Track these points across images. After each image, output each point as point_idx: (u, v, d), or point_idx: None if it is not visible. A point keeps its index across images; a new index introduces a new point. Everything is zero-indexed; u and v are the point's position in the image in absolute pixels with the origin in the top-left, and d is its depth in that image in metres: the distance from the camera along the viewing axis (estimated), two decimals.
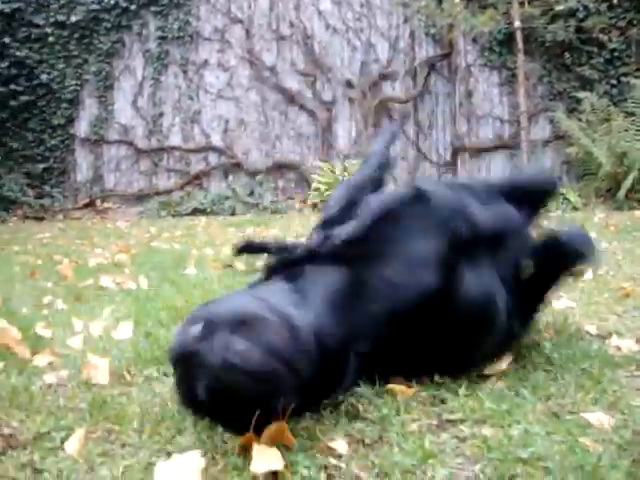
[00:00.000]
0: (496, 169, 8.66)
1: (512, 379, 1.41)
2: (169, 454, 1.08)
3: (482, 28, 8.01)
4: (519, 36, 7.92)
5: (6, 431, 1.21)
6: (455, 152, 8.82)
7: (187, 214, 8.51)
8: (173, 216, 8.57)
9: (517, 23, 7.89)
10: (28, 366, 1.63)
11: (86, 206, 10.03)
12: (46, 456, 1.12)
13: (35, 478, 1.05)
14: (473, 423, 1.19)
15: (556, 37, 8.09)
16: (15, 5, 9.81)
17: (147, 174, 9.83)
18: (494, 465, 1.01)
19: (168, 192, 9.55)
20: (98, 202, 9.99)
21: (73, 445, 1.13)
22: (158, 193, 9.62)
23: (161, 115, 9.73)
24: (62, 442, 1.16)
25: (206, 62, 9.56)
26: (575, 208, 7.18)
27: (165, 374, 1.53)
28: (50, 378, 1.50)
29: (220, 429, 1.16)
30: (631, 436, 1.09)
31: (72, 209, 10.03)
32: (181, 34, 9.55)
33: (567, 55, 8.25)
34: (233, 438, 1.11)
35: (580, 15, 8.09)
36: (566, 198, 7.36)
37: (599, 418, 1.15)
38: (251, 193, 8.85)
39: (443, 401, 1.31)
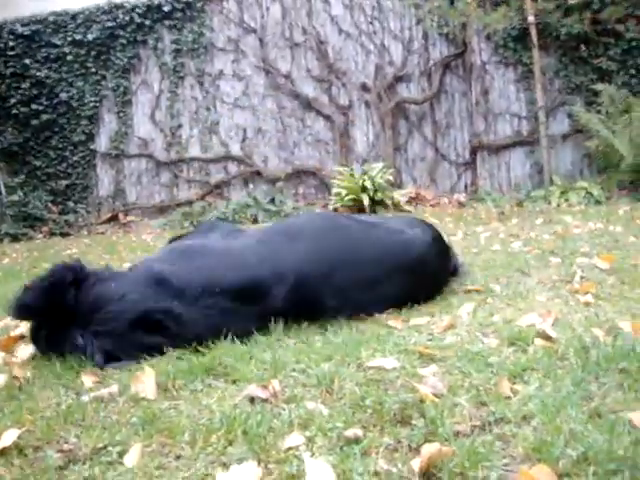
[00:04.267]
0: (516, 166, 8.62)
1: (553, 378, 1.43)
2: (224, 465, 1.13)
3: (496, 25, 7.99)
4: (533, 31, 7.88)
5: (65, 447, 1.27)
6: (474, 151, 8.79)
7: None
8: (195, 227, 8.64)
9: (531, 18, 7.85)
10: (77, 383, 1.68)
11: (109, 220, 10.17)
12: (106, 470, 1.17)
13: None
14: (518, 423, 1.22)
15: (571, 30, 8.03)
16: (34, 27, 10.02)
17: (168, 186, 9.94)
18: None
19: (189, 203, 9.64)
20: (121, 216, 10.12)
21: (131, 459, 1.18)
22: (180, 204, 9.72)
23: (179, 127, 9.84)
24: (119, 456, 1.21)
25: (221, 72, 9.65)
26: (598, 202, 7.12)
27: (210, 385, 1.58)
28: (100, 394, 1.55)
29: (270, 437, 1.20)
30: None
31: (96, 224, 10.18)
32: (196, 46, 9.66)
33: (583, 48, 8.18)
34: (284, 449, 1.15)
35: (595, 7, 8.02)
36: (589, 192, 7.31)
37: None
38: (272, 200, 8.90)
39: (484, 403, 1.34)
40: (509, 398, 1.35)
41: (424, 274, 2.34)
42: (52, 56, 10.04)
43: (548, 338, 1.75)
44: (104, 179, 10.26)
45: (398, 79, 9.04)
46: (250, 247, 2.18)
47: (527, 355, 1.64)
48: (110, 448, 1.24)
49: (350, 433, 1.20)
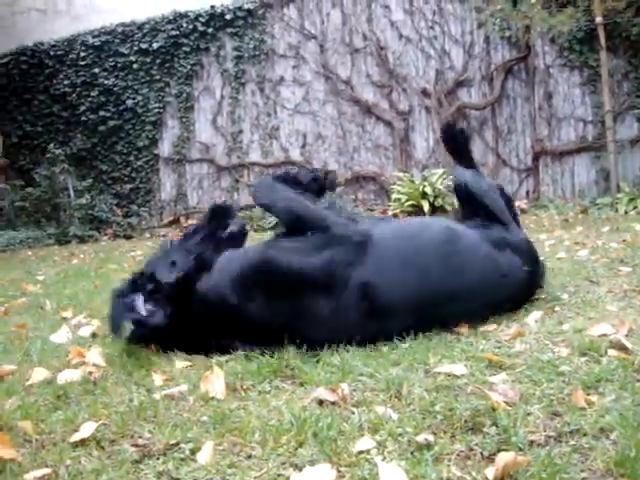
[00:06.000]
0: (580, 172, 8.38)
1: (631, 390, 1.38)
2: (296, 466, 1.13)
3: (561, 27, 7.77)
4: (601, 32, 7.63)
5: (140, 442, 1.30)
6: (536, 156, 8.59)
7: (269, 228, 8.66)
8: (255, 230, 8.74)
9: (599, 19, 7.60)
10: (147, 380, 1.73)
11: (171, 223, 10.42)
12: (179, 466, 1.19)
13: None
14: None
15: None
16: (103, 38, 10.41)
17: (228, 190, 10.11)
18: None
19: (250, 207, 9.76)
20: (182, 219, 10.35)
21: (204, 456, 1.20)
22: (240, 209, 9.86)
23: (240, 132, 10.00)
24: (192, 453, 1.23)
25: (282, 78, 9.76)
26: None
27: (278, 387, 1.59)
28: (170, 392, 1.59)
29: (340, 440, 1.20)
30: None
31: (157, 227, 10.44)
32: (257, 53, 9.80)
33: None
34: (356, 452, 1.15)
35: None
36: None
37: None
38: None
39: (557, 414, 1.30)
40: (584, 409, 1.31)
41: (515, 301, 2.30)
42: (119, 65, 10.39)
43: (623, 349, 1.69)
44: (166, 183, 10.52)
45: (459, 84, 8.93)
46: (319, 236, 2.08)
47: (600, 365, 1.59)
48: (183, 445, 1.27)
49: (421, 439, 1.18)
